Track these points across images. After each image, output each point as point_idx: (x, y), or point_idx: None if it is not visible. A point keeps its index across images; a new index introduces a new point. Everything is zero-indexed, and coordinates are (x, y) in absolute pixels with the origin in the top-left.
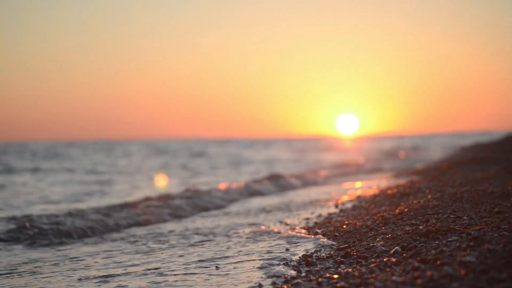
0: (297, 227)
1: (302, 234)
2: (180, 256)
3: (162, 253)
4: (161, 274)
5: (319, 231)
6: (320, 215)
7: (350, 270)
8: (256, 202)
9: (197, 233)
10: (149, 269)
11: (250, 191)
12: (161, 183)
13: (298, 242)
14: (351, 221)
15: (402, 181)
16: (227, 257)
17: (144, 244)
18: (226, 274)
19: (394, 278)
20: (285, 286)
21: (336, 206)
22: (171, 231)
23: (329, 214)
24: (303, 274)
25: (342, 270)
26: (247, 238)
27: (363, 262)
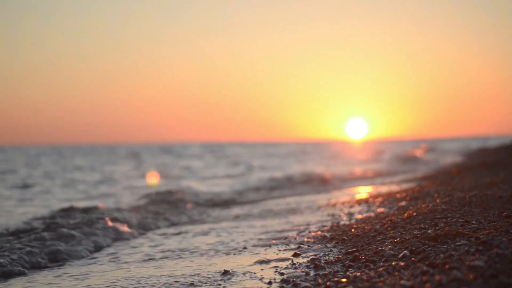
0: (305, 231)
1: (311, 238)
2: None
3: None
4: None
5: (328, 234)
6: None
7: (358, 274)
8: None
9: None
10: None
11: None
12: None
13: (306, 246)
14: (359, 225)
15: (411, 185)
16: (235, 260)
17: None
18: (234, 278)
19: (402, 282)
20: None
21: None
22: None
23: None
24: (311, 278)
25: (350, 274)
26: (255, 240)
27: (372, 266)
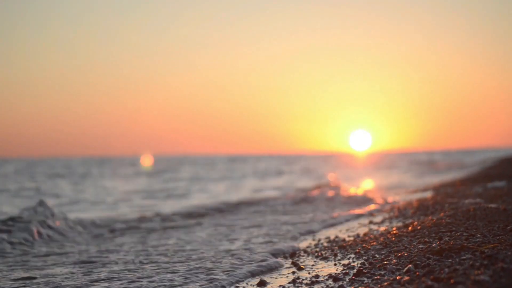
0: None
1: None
2: None
3: None
4: None
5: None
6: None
7: None
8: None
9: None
10: None
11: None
12: None
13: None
14: (364, 238)
15: (415, 197)
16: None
17: None
18: None
19: None
20: None
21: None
22: None
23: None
24: None
25: None
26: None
27: (376, 280)
